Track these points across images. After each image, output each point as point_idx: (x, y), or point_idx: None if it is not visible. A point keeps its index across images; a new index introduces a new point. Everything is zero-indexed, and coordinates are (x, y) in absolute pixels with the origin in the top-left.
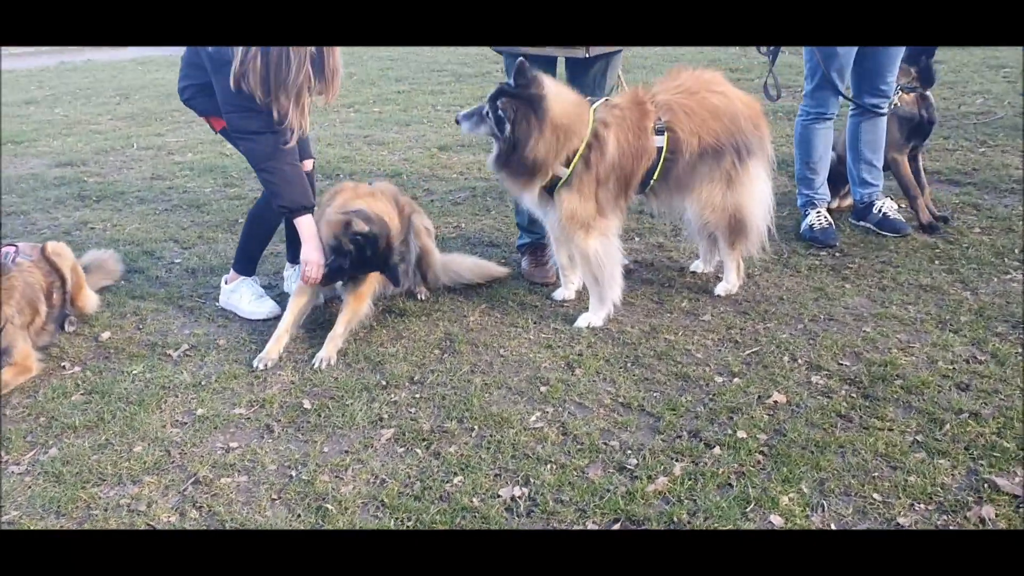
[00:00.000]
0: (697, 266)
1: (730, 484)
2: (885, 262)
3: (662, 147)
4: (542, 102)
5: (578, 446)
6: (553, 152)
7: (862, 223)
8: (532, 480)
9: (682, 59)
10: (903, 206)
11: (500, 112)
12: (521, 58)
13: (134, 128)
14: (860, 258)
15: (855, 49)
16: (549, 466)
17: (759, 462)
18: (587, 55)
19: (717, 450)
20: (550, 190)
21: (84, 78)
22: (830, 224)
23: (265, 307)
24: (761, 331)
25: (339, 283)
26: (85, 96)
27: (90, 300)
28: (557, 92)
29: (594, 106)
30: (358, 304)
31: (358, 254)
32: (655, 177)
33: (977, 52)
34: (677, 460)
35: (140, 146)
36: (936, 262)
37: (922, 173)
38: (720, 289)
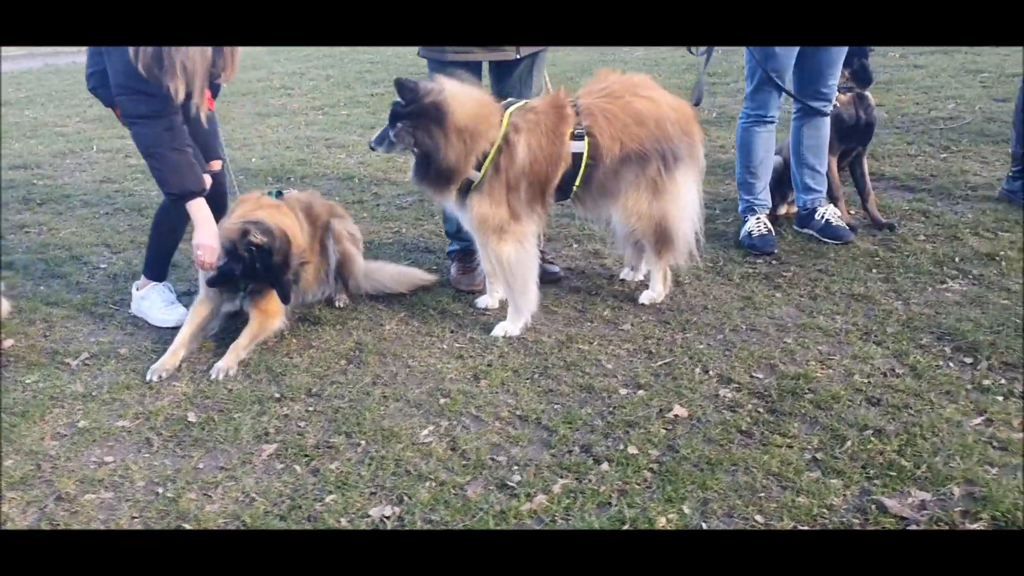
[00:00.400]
0: (627, 274)
1: (610, 503)
2: (821, 270)
3: (581, 153)
4: (439, 107)
5: (464, 462)
6: (463, 156)
7: (805, 230)
8: (406, 499)
9: (663, 62)
10: (854, 212)
11: (394, 139)
12: (397, 78)
13: (99, 131)
14: (796, 266)
15: (795, 51)
16: (428, 483)
17: (646, 480)
18: (518, 56)
19: (605, 466)
20: (465, 192)
21: (63, 81)
22: (769, 231)
23: (175, 314)
24: (679, 341)
25: (241, 297)
26: (59, 98)
27: None
28: (457, 93)
29: (510, 109)
30: (266, 319)
31: (251, 264)
32: (577, 183)
33: (958, 56)
34: (561, 477)
35: (99, 148)
36: (874, 271)
37: (866, 177)
38: (644, 298)
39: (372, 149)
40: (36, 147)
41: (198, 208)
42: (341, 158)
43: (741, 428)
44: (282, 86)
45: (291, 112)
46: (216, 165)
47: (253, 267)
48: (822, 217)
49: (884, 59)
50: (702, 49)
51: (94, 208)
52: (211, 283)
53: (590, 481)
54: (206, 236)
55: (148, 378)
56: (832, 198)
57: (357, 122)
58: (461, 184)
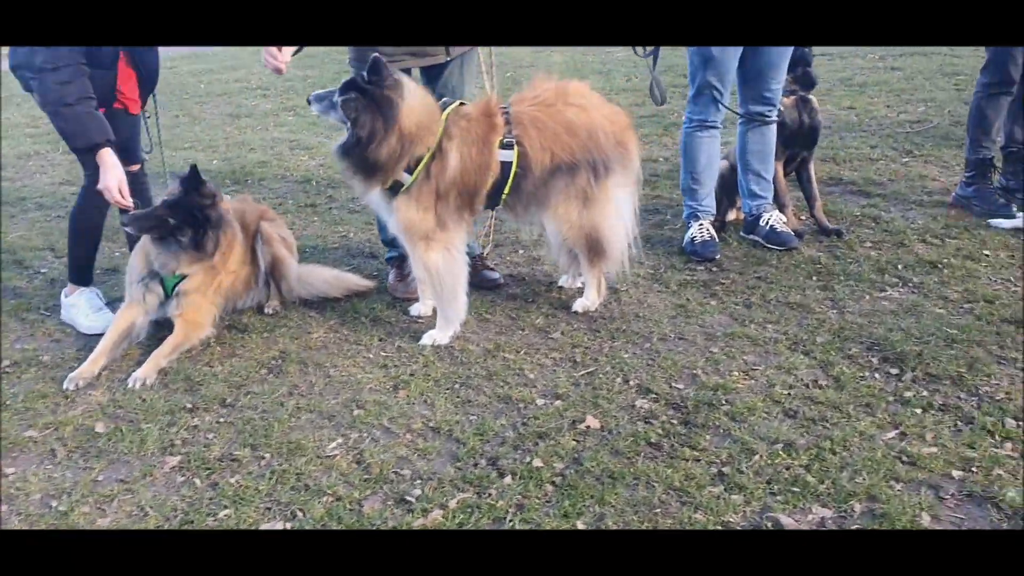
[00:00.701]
0: (564, 280)
1: (505, 518)
2: (760, 278)
3: (510, 162)
4: (393, 107)
5: (365, 476)
6: (396, 157)
7: (751, 236)
8: (300, 515)
9: (642, 64)
10: (804, 218)
11: (337, 104)
12: (377, 55)
13: None
14: (736, 273)
15: (735, 56)
16: (325, 498)
17: (547, 494)
18: (448, 58)
19: (508, 480)
20: (393, 191)
21: None
22: (712, 237)
23: (103, 320)
24: (605, 350)
25: (170, 306)
26: None
27: None
28: (412, 98)
29: (446, 112)
30: (191, 329)
31: (184, 195)
32: (506, 192)
33: (936, 58)
34: (462, 491)
35: (65, 150)
36: (813, 278)
37: (813, 182)
38: (578, 306)
39: (308, 103)
40: (4, 149)
41: (104, 156)
42: (303, 160)
43: (651, 440)
44: (259, 86)
45: (262, 113)
46: (134, 169)
47: (187, 199)
48: (767, 223)
49: (863, 60)
50: (649, 50)
51: (47, 211)
52: (138, 225)
53: (490, 495)
54: (110, 178)
55: (65, 387)
56: (779, 204)
57: (326, 124)
58: (390, 183)
